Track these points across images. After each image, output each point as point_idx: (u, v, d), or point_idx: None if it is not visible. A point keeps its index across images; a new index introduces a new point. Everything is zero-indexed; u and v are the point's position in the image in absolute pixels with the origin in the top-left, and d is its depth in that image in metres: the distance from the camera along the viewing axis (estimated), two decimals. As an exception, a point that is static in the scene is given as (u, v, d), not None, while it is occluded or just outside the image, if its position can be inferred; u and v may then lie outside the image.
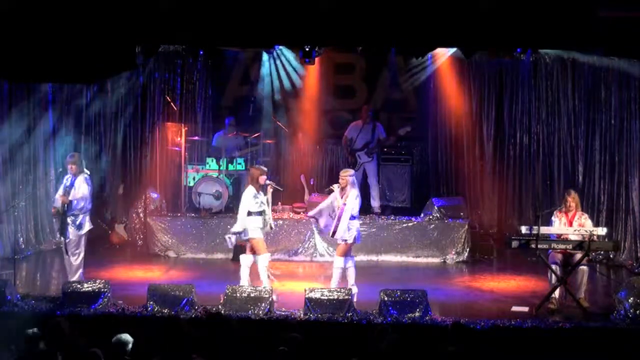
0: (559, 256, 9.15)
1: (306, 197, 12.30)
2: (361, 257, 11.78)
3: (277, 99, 13.79)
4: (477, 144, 13.18)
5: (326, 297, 8.69)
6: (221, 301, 8.81)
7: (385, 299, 8.65)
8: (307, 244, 11.85)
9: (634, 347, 7.90)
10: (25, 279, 10.59)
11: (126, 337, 6.55)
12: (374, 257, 11.88)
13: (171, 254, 12.02)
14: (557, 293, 9.08)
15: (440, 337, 7.26)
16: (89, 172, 9.73)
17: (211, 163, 12.87)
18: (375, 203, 12.77)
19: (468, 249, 11.84)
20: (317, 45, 10.71)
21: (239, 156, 12.98)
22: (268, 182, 9.46)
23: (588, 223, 9.18)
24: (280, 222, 11.67)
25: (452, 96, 13.11)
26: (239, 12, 9.50)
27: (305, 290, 8.83)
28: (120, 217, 12.84)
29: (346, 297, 8.69)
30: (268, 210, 9.42)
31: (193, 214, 12.30)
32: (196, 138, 13.23)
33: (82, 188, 9.48)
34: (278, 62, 13.41)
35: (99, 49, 9.75)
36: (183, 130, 12.82)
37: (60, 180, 9.96)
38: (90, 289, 8.90)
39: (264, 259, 9.38)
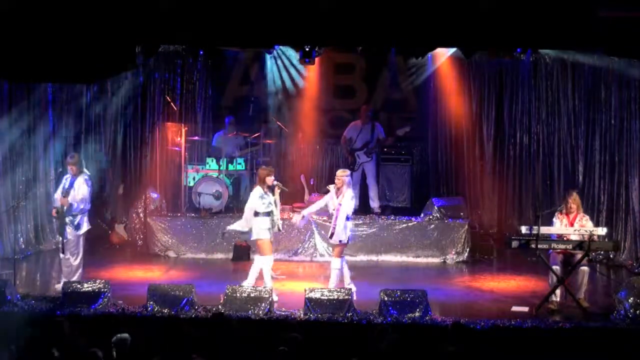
0: (560, 256, 9.15)
1: (306, 197, 12.30)
2: (361, 257, 11.84)
3: (277, 99, 13.81)
4: (477, 144, 13.18)
5: (326, 297, 8.69)
6: (221, 301, 8.81)
7: (385, 299, 8.65)
8: (307, 244, 11.85)
9: (634, 347, 7.90)
10: (25, 279, 10.60)
11: (126, 336, 6.55)
12: (374, 257, 11.89)
13: (171, 254, 12.02)
14: (557, 293, 9.09)
15: (440, 337, 7.27)
16: (88, 173, 9.74)
17: (211, 163, 12.87)
18: (374, 203, 12.77)
19: (468, 249, 11.84)
20: (317, 45, 10.71)
21: (239, 156, 12.98)
22: (275, 182, 9.44)
23: (589, 225, 9.17)
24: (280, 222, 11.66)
25: (452, 96, 13.10)
26: (239, 12, 9.50)
27: (305, 290, 8.83)
28: (120, 217, 12.84)
29: (346, 297, 8.69)
30: (276, 211, 9.39)
31: (193, 214, 12.30)
32: (196, 138, 13.22)
33: (82, 189, 9.49)
34: (279, 62, 13.41)
35: (99, 49, 9.75)
36: (183, 130, 12.81)
37: (59, 180, 9.96)
38: (90, 289, 8.90)
39: (268, 261, 9.38)
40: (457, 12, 9.37)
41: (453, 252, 11.81)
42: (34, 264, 11.56)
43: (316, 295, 8.72)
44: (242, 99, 14.02)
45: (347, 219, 9.35)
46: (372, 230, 11.94)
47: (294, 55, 12.89)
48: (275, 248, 11.42)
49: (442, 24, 9.49)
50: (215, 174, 12.61)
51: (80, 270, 9.66)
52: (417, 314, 8.53)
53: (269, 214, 9.31)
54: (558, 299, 9.13)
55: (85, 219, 9.64)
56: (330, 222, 9.54)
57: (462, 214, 12.09)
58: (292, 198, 12.43)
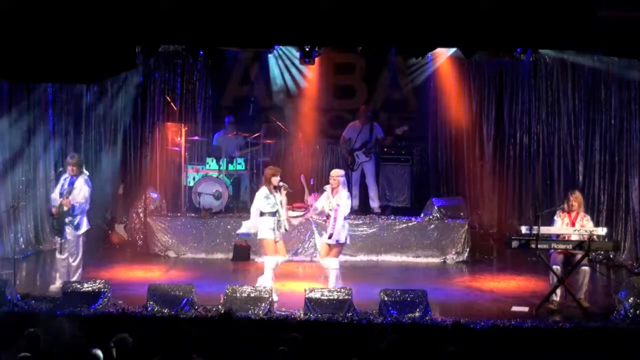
0: (560, 256, 9.15)
1: (306, 197, 12.29)
2: (361, 257, 11.84)
3: (278, 99, 13.82)
4: (477, 144, 13.18)
5: (326, 297, 8.69)
6: (221, 301, 8.81)
7: (385, 299, 8.65)
8: (307, 244, 11.84)
9: (634, 347, 7.90)
10: (25, 279, 10.59)
11: (126, 337, 6.54)
12: (374, 257, 11.89)
13: (171, 254, 12.02)
14: (557, 293, 9.08)
15: (440, 337, 7.26)
16: (88, 173, 9.74)
17: (211, 163, 12.87)
18: (374, 203, 12.76)
19: (468, 249, 11.84)
20: (317, 45, 10.71)
21: (239, 156, 12.98)
22: (281, 183, 9.44)
23: (589, 225, 9.17)
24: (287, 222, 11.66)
25: (452, 96, 13.10)
26: (239, 12, 9.50)
27: (305, 290, 8.83)
28: (120, 217, 12.84)
29: (346, 297, 8.69)
30: (282, 212, 9.38)
31: (193, 214, 12.30)
32: (196, 138, 13.22)
33: (83, 190, 9.49)
34: (280, 62, 13.41)
35: (98, 49, 9.75)
36: (183, 130, 12.81)
37: (57, 180, 9.94)
38: (90, 289, 8.90)
39: (271, 261, 9.39)
40: (457, 12, 9.37)
41: (453, 252, 11.81)
42: (34, 264, 11.56)
43: (316, 295, 8.72)
44: (242, 99, 14.02)
45: (345, 219, 9.36)
46: (372, 230, 11.95)
47: (296, 54, 12.88)
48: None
49: (442, 24, 9.49)
50: (215, 174, 12.61)
51: (80, 270, 9.66)
52: (417, 314, 8.53)
53: (273, 214, 9.31)
54: (558, 299, 9.13)
55: (85, 219, 9.64)
56: (327, 223, 9.52)
57: (462, 214, 12.09)
58: (292, 198, 12.37)
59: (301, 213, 10.60)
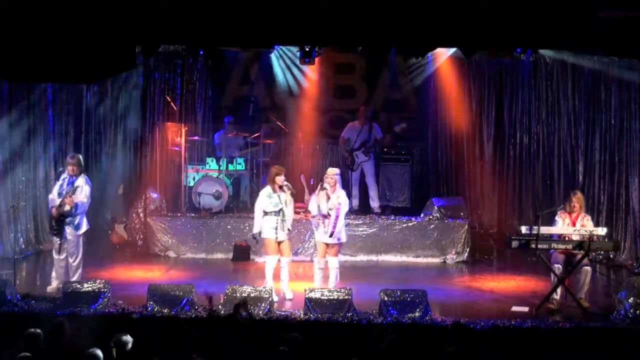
0: (561, 256, 9.14)
1: (306, 197, 12.21)
2: (361, 257, 11.84)
3: (280, 98, 13.83)
4: (477, 144, 13.17)
5: (326, 297, 8.70)
6: (221, 301, 8.81)
7: (385, 299, 8.65)
8: (307, 244, 11.83)
9: (634, 347, 7.90)
10: (25, 279, 10.59)
11: (126, 337, 6.55)
12: (374, 257, 11.89)
13: (171, 254, 12.02)
14: (558, 293, 9.08)
15: (440, 337, 7.26)
16: (87, 173, 9.74)
17: (211, 163, 12.87)
18: (374, 203, 12.76)
19: (468, 249, 11.83)
20: (317, 45, 10.72)
21: (239, 156, 12.98)
22: (285, 183, 9.43)
23: (590, 225, 9.17)
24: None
25: (452, 96, 13.10)
26: (239, 12, 9.50)
27: (305, 290, 8.84)
28: (120, 217, 12.83)
29: (346, 297, 8.69)
30: (286, 211, 9.38)
31: (193, 214, 12.30)
32: (196, 138, 13.22)
33: (84, 189, 9.49)
34: (281, 62, 13.40)
35: (99, 49, 9.75)
36: (183, 130, 12.81)
37: (58, 179, 9.92)
38: (90, 289, 8.90)
39: (270, 260, 9.41)
40: (457, 12, 9.37)
41: (453, 252, 11.81)
42: (34, 264, 11.56)
43: (316, 295, 8.72)
44: (242, 99, 14.02)
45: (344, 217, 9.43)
46: (372, 230, 11.94)
47: (297, 54, 12.88)
48: (296, 251, 11.44)
49: (442, 24, 9.50)
50: (215, 174, 12.61)
51: (80, 270, 9.65)
52: (417, 314, 8.53)
53: (276, 213, 9.31)
54: (558, 299, 9.12)
55: (85, 218, 9.64)
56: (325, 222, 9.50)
57: (462, 214, 12.08)
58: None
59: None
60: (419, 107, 13.90)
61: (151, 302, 8.75)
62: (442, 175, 13.52)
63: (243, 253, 11.72)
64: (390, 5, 9.43)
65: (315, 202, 9.45)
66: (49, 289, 9.60)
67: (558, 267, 9.07)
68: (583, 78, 12.22)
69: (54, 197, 9.58)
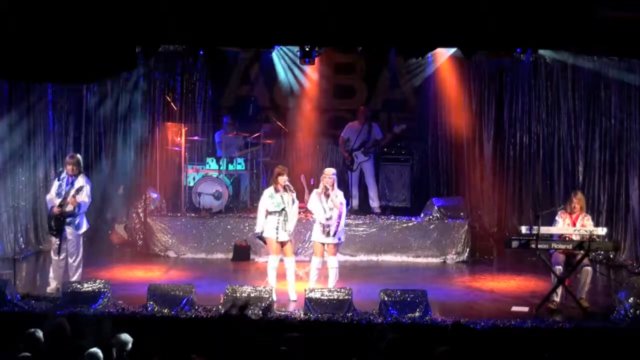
0: (562, 257, 9.14)
1: (306, 197, 12.21)
2: (361, 257, 11.84)
3: (281, 97, 13.83)
4: (477, 144, 13.18)
5: (326, 297, 8.70)
6: (221, 301, 8.81)
7: (385, 299, 8.65)
8: (307, 244, 11.81)
9: (634, 347, 7.89)
10: (25, 279, 10.58)
11: (126, 336, 6.55)
12: (374, 257, 11.89)
13: (171, 254, 12.02)
14: (558, 293, 9.08)
15: (440, 337, 7.26)
16: (86, 172, 9.74)
17: (211, 163, 12.87)
18: (374, 203, 12.75)
19: (468, 249, 11.83)
20: (317, 45, 10.72)
21: (239, 156, 12.98)
22: (287, 183, 9.44)
23: (590, 225, 9.16)
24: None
25: (452, 96, 13.10)
26: (239, 12, 9.50)
27: (305, 290, 8.84)
28: (120, 217, 12.83)
29: (346, 297, 8.69)
30: (289, 211, 9.37)
31: (193, 214, 12.30)
32: (196, 138, 13.22)
33: (85, 189, 9.48)
34: (282, 61, 13.41)
35: (99, 49, 9.76)
36: (183, 130, 12.81)
37: (58, 179, 9.91)
38: (90, 289, 8.90)
39: (271, 260, 9.42)
40: (457, 12, 9.37)
41: (453, 252, 11.81)
42: (34, 264, 11.56)
43: (316, 295, 8.72)
44: (242, 99, 14.03)
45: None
46: (372, 230, 11.94)
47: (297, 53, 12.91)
48: (296, 251, 11.44)
49: (442, 24, 9.50)
50: (215, 174, 12.61)
51: (80, 270, 9.65)
52: (417, 314, 8.53)
53: (278, 213, 9.31)
54: (559, 299, 9.12)
55: (85, 218, 9.64)
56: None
57: (462, 214, 12.08)
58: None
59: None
60: (419, 107, 13.90)
61: (151, 302, 8.75)
62: (442, 175, 13.53)
63: (243, 253, 11.72)
64: (390, 5, 9.43)
65: (318, 203, 9.43)
66: (48, 290, 9.59)
67: (559, 269, 9.06)
68: (583, 78, 12.22)
69: (52, 197, 9.57)
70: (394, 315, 8.50)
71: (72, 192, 9.36)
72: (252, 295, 8.76)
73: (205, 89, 13.84)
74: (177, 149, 13.04)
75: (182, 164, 12.88)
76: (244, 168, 12.92)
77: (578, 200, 9.19)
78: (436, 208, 12.03)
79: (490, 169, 13.13)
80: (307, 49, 10.73)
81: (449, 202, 12.31)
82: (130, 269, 11.16)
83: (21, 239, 11.90)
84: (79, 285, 8.99)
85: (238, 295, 8.77)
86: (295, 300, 9.33)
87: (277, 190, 9.36)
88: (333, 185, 9.39)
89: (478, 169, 13.18)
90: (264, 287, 8.97)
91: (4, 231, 11.55)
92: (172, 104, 13.22)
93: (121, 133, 13.14)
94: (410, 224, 11.97)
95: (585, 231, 8.90)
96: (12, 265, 9.84)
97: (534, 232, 8.92)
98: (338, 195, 9.37)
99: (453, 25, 9.49)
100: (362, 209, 12.67)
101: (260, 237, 9.56)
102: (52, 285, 9.61)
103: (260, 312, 8.44)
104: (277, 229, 9.31)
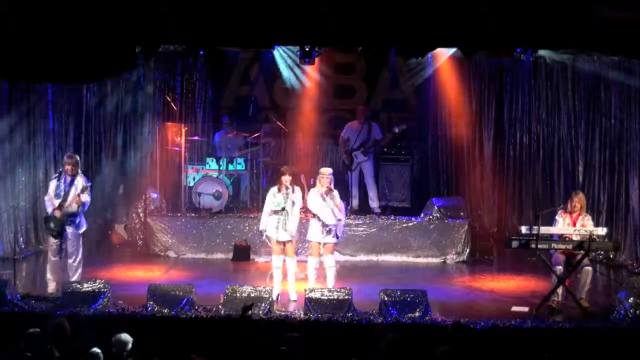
0: (562, 257, 9.14)
1: (306, 197, 12.28)
2: (361, 257, 11.85)
3: (282, 97, 13.82)
4: (477, 144, 13.18)
5: (326, 297, 8.69)
6: (221, 301, 8.80)
7: (385, 299, 8.65)
8: (307, 244, 11.82)
9: (634, 347, 7.89)
10: (25, 279, 10.58)
11: (126, 336, 6.55)
12: (374, 257, 11.89)
13: (171, 254, 12.02)
14: (558, 293, 9.08)
15: (440, 337, 7.26)
16: (84, 172, 9.75)
17: (211, 163, 12.88)
18: (374, 203, 12.75)
19: (468, 249, 11.83)
20: (317, 45, 10.72)
21: (239, 156, 12.98)
22: (288, 184, 9.43)
23: (590, 225, 9.16)
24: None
25: (452, 96, 13.10)
26: (239, 12, 9.51)
27: (305, 290, 8.84)
28: (120, 217, 12.83)
29: (346, 297, 8.69)
30: (291, 211, 9.36)
31: (193, 214, 12.30)
32: (196, 138, 13.22)
33: (88, 188, 9.47)
34: (283, 61, 13.41)
35: (99, 49, 9.76)
36: (183, 130, 12.82)
37: (52, 180, 9.89)
38: (90, 289, 8.90)
39: (274, 260, 9.47)
40: (457, 12, 9.37)
41: (453, 252, 11.80)
42: (34, 264, 11.55)
43: (316, 295, 8.72)
44: (242, 99, 14.03)
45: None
46: (372, 230, 11.94)
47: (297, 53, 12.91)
48: (296, 251, 11.43)
49: (442, 24, 9.50)
50: (215, 174, 12.61)
51: (80, 270, 9.65)
52: (417, 314, 8.53)
53: (279, 212, 9.32)
54: (559, 299, 9.12)
55: (84, 217, 9.64)
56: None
57: (462, 214, 12.08)
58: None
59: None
60: (419, 107, 13.91)
61: (151, 302, 8.75)
62: (442, 175, 13.53)
63: (243, 253, 11.72)
64: (390, 5, 9.43)
65: (321, 204, 9.42)
66: (49, 290, 9.59)
67: (559, 269, 9.06)
68: (583, 78, 12.21)
69: (51, 197, 9.54)
70: (394, 315, 8.50)
71: (77, 191, 9.36)
72: (252, 295, 8.76)
73: (205, 89, 13.85)
74: (177, 149, 13.04)
75: (182, 164, 12.88)
76: (244, 168, 12.92)
77: (579, 199, 9.18)
78: (436, 208, 12.03)
79: (490, 169, 13.13)
80: (307, 49, 10.73)
81: (449, 202, 12.31)
82: (130, 269, 11.15)
83: (21, 239, 11.90)
84: (79, 285, 8.99)
85: (238, 295, 8.77)
86: (295, 300, 9.34)
87: (279, 190, 9.38)
88: (330, 184, 9.40)
89: (478, 169, 13.19)
90: (264, 287, 8.95)
91: (4, 231, 11.55)
92: (172, 104, 13.22)
93: (121, 133, 13.13)
94: (410, 224, 11.97)
95: (585, 231, 8.90)
96: (12, 265, 9.84)
97: (534, 232, 8.91)
98: (335, 195, 9.38)
99: (453, 25, 9.50)
100: (362, 209, 12.68)
101: (261, 233, 9.61)
102: (51, 286, 9.60)
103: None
104: (277, 228, 9.33)
